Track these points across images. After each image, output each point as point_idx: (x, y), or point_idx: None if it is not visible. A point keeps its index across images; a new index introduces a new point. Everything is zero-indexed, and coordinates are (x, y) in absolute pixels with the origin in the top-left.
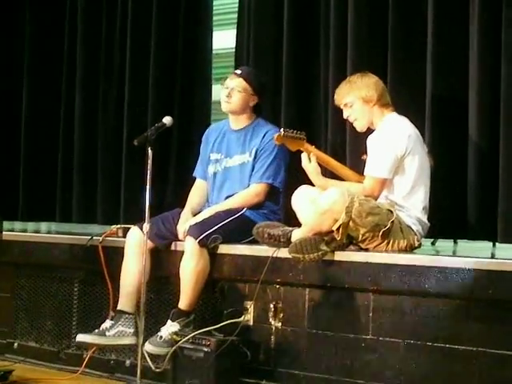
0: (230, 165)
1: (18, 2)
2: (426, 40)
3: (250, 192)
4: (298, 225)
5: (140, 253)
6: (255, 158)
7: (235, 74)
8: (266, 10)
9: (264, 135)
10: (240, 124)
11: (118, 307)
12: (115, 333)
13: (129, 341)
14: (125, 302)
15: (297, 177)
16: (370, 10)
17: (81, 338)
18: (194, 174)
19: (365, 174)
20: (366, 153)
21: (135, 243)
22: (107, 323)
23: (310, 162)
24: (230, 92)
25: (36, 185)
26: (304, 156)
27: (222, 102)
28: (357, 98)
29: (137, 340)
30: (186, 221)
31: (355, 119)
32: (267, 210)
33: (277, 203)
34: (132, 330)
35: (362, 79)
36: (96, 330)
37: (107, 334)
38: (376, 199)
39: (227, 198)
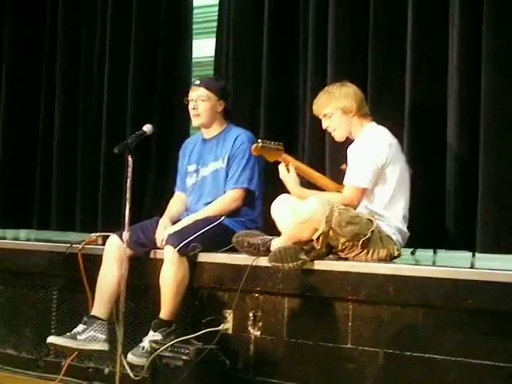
0: (205, 174)
1: None
2: (405, 48)
3: (227, 198)
4: (278, 234)
5: (118, 260)
6: (228, 164)
7: (195, 84)
8: (245, 18)
9: (235, 140)
10: (212, 132)
11: (92, 312)
12: (86, 337)
13: (100, 346)
14: (99, 308)
15: (276, 186)
16: (349, 19)
17: (52, 339)
18: (175, 189)
19: (344, 183)
20: (345, 162)
21: (113, 251)
22: (79, 327)
23: (288, 172)
24: (194, 103)
25: (14, 192)
26: (282, 167)
27: (192, 116)
28: (336, 109)
29: (108, 346)
30: (164, 228)
31: (334, 129)
32: (245, 217)
33: (254, 209)
34: (104, 337)
35: (341, 89)
36: (68, 334)
37: (78, 337)
38: (355, 209)
39: (205, 206)
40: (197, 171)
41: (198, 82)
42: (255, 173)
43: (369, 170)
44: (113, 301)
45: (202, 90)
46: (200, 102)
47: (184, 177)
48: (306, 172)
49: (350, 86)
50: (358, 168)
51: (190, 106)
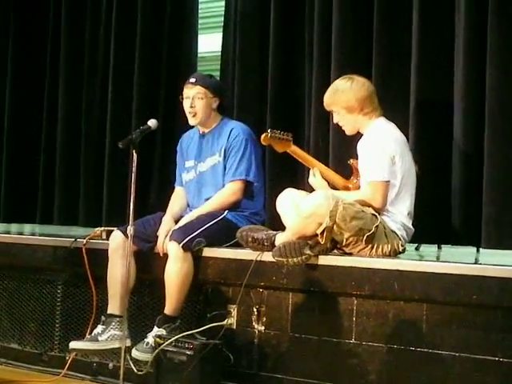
0: (203, 169)
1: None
2: (410, 45)
3: (227, 191)
4: (283, 228)
5: (123, 256)
6: (225, 157)
7: (190, 83)
8: (252, 13)
9: (230, 133)
10: (208, 127)
11: (108, 311)
12: (108, 337)
13: (121, 343)
14: (114, 306)
15: (282, 179)
16: (354, 14)
17: (74, 345)
18: (174, 185)
19: (364, 182)
20: (353, 157)
21: (118, 246)
22: (99, 328)
23: (314, 176)
24: (192, 101)
25: (17, 186)
26: (311, 173)
27: (188, 115)
28: (340, 108)
29: (131, 342)
30: (168, 229)
31: (343, 125)
32: (248, 211)
33: (255, 201)
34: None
35: (345, 86)
36: (88, 336)
37: (100, 339)
38: (384, 206)
39: (206, 201)
40: (195, 167)
41: (193, 80)
42: (253, 164)
43: (384, 163)
44: (125, 296)
45: (198, 87)
46: (197, 100)
47: (181, 172)
48: (313, 164)
49: (357, 80)
50: (372, 163)
51: (187, 103)
